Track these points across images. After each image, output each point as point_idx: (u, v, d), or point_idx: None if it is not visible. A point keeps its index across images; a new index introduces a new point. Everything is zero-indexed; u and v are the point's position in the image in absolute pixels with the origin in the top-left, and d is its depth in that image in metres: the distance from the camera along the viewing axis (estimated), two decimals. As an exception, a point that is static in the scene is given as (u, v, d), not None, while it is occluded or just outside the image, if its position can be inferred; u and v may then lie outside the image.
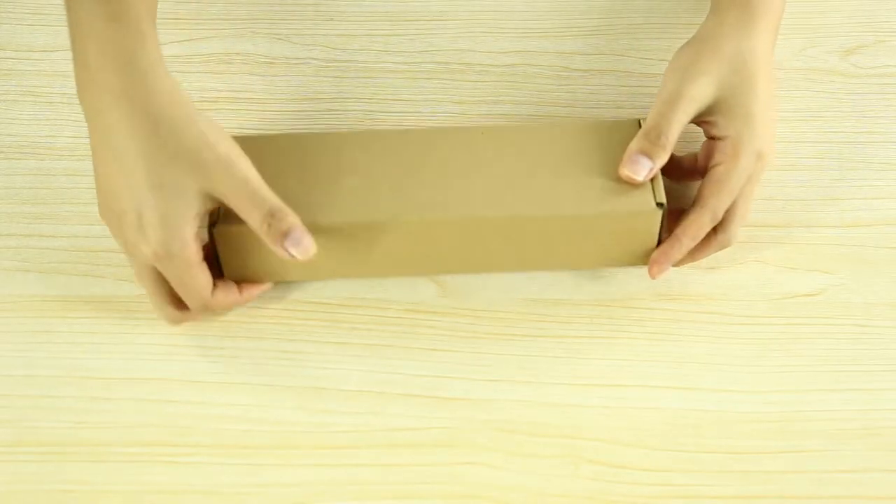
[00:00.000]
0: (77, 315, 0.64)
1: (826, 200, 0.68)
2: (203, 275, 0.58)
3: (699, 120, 0.62)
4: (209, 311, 0.62)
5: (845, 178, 0.69)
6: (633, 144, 0.60)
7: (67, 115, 0.70)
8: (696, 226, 0.61)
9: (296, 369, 0.62)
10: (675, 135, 0.60)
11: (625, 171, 0.60)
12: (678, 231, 0.61)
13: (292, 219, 0.56)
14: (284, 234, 0.56)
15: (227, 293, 0.61)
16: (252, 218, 0.56)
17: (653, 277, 0.63)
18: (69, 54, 0.72)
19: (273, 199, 0.56)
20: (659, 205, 0.60)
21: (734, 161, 0.60)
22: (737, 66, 0.61)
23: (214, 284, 0.60)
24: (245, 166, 0.56)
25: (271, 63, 0.75)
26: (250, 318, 0.64)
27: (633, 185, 0.60)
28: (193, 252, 0.57)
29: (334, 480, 0.59)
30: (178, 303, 0.60)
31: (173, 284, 0.59)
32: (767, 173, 0.68)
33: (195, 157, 0.54)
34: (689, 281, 0.65)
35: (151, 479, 0.59)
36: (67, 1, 0.57)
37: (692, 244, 0.61)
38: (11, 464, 0.59)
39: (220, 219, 0.59)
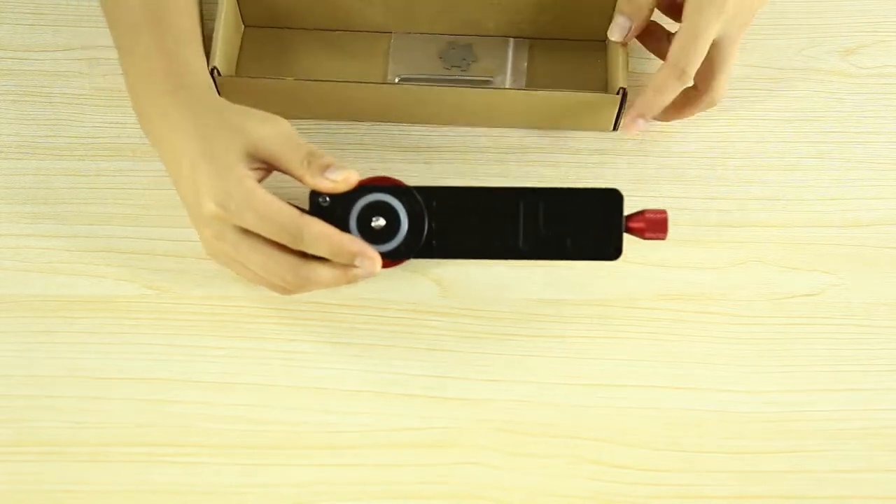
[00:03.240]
0: (77, 315, 0.64)
1: (826, 200, 0.68)
2: (279, 203, 0.56)
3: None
4: (302, 240, 0.56)
5: (845, 178, 0.69)
6: (616, 8, 0.65)
7: (67, 115, 0.70)
8: (659, 78, 0.62)
9: (296, 369, 0.63)
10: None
11: (608, 33, 0.65)
12: (647, 86, 0.63)
13: (329, 158, 0.57)
14: (325, 167, 0.57)
15: (319, 222, 0.56)
16: (293, 160, 0.57)
17: (624, 131, 0.67)
18: (69, 54, 0.72)
19: (310, 145, 0.58)
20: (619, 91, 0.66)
21: (694, 15, 0.61)
22: None
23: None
24: (282, 121, 0.59)
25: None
26: (250, 318, 0.64)
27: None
28: (253, 184, 0.56)
29: (334, 480, 0.59)
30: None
31: (258, 229, 0.56)
32: (768, 173, 0.69)
33: (237, 123, 0.58)
34: (689, 281, 0.65)
35: (151, 479, 0.59)
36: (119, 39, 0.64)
37: (659, 98, 0.63)
38: (11, 464, 0.59)
39: None
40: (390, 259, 0.59)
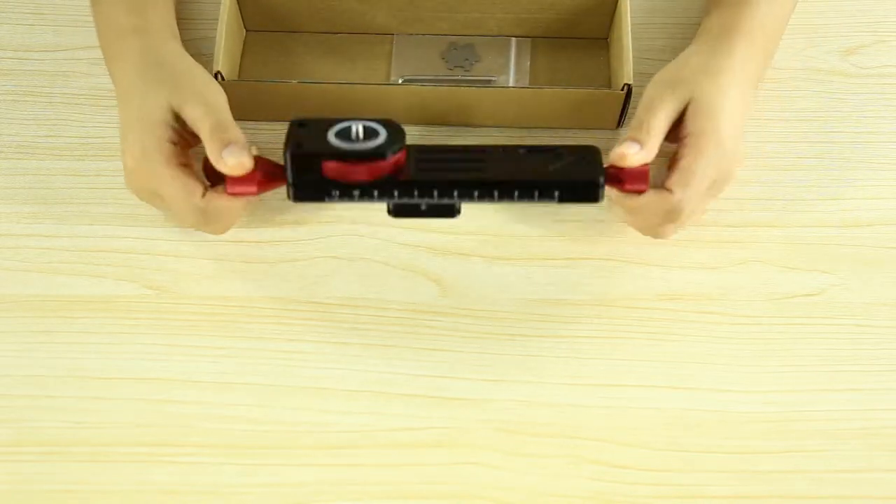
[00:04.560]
0: (77, 315, 0.64)
1: (826, 200, 0.68)
2: (188, 181, 0.60)
3: (675, 127, 0.63)
4: (207, 215, 0.61)
5: (845, 178, 0.69)
6: (624, 137, 0.61)
7: (67, 115, 0.70)
8: (654, 205, 0.61)
9: (296, 369, 0.62)
10: (658, 127, 0.61)
11: (615, 150, 0.60)
12: (635, 203, 0.61)
13: (236, 134, 0.60)
14: (224, 144, 0.59)
15: (219, 194, 0.61)
16: (203, 127, 0.60)
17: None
18: (69, 54, 0.72)
19: (228, 118, 0.61)
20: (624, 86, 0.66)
21: (697, 154, 0.60)
22: (706, 73, 0.63)
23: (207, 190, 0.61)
24: (215, 94, 0.62)
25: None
26: (250, 318, 0.64)
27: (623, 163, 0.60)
28: (167, 151, 0.60)
29: (334, 480, 0.59)
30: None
31: (163, 192, 0.61)
32: (768, 173, 0.69)
33: (175, 80, 0.62)
34: (689, 281, 0.65)
35: (151, 479, 0.59)
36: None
37: (642, 223, 0.63)
38: (11, 464, 0.59)
39: None
40: (370, 159, 0.57)
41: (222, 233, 0.64)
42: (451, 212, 0.60)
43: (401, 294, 0.65)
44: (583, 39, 0.73)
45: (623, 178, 0.61)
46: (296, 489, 0.59)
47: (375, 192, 0.58)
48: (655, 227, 0.63)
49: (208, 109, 0.60)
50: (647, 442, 0.61)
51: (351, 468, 0.60)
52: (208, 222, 0.62)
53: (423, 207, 0.59)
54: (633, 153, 0.60)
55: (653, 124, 0.61)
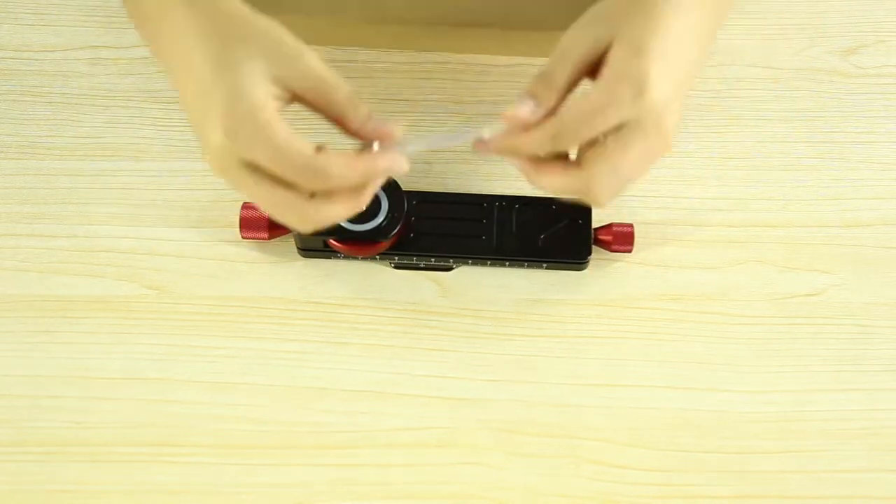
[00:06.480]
0: (77, 315, 0.64)
1: (826, 200, 0.68)
2: (297, 142, 0.49)
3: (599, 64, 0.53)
4: (322, 182, 0.50)
5: (845, 178, 0.69)
6: (528, 88, 0.53)
7: (67, 115, 0.70)
8: (539, 129, 0.51)
9: (296, 369, 0.63)
10: (563, 76, 0.52)
11: (508, 111, 0.52)
12: (528, 129, 0.52)
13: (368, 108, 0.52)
14: (368, 115, 0.51)
15: (340, 156, 0.50)
16: (335, 98, 0.51)
17: (473, 147, 0.53)
18: (69, 54, 0.72)
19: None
20: None
21: (602, 84, 0.50)
22: (638, 6, 0.52)
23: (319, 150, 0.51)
24: (315, 55, 0.51)
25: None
26: (250, 318, 0.64)
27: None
28: (270, 116, 0.49)
29: (334, 480, 0.59)
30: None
31: (269, 168, 0.49)
32: (768, 173, 0.69)
33: (266, 40, 0.51)
34: (689, 281, 0.65)
35: (151, 479, 0.59)
36: None
37: (526, 146, 0.52)
38: (11, 464, 0.59)
39: None
40: (371, 240, 0.62)
41: (329, 219, 0.52)
42: (448, 269, 0.65)
43: (401, 294, 0.65)
44: None
45: (610, 241, 0.64)
46: (296, 489, 0.59)
47: (377, 256, 0.64)
48: (561, 174, 0.53)
49: (330, 71, 0.51)
50: (647, 442, 0.61)
51: (351, 468, 0.60)
52: (314, 202, 0.51)
53: (422, 265, 0.65)
54: (526, 114, 0.52)
55: (556, 73, 0.52)
